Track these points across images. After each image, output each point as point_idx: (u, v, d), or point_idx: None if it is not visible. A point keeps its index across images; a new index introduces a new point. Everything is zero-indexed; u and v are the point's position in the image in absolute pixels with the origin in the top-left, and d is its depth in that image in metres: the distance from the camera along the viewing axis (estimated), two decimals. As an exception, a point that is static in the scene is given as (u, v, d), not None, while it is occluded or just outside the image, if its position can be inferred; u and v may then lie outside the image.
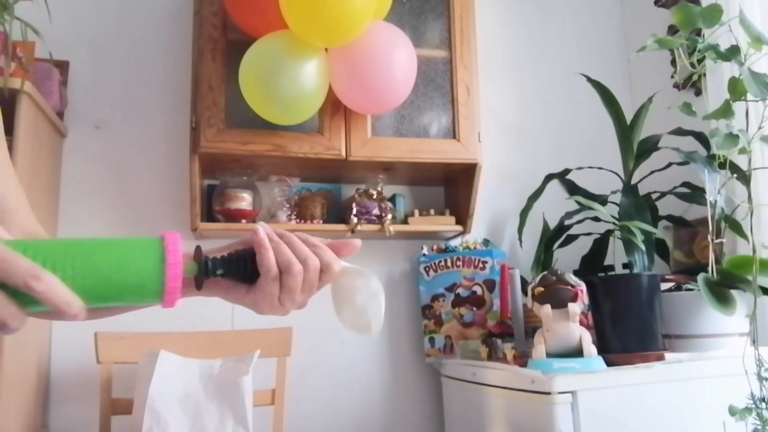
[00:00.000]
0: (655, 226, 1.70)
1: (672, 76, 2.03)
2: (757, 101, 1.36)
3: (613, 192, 1.82)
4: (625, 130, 1.76)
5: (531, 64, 2.27)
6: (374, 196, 1.87)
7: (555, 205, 1.90)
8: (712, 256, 1.42)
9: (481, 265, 1.87)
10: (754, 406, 1.14)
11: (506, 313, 1.74)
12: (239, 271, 0.63)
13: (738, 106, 1.39)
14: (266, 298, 0.64)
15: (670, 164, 1.77)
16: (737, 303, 1.34)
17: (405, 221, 1.93)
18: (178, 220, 1.85)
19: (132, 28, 1.93)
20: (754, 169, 1.47)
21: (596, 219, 1.80)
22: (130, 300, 0.56)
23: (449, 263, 1.91)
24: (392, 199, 1.96)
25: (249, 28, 1.63)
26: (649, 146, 1.79)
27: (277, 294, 0.64)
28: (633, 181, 1.76)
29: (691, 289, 1.46)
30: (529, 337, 1.58)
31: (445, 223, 1.93)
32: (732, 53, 1.38)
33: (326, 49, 1.59)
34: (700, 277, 1.37)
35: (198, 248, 0.62)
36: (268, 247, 0.62)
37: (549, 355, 1.34)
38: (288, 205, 1.83)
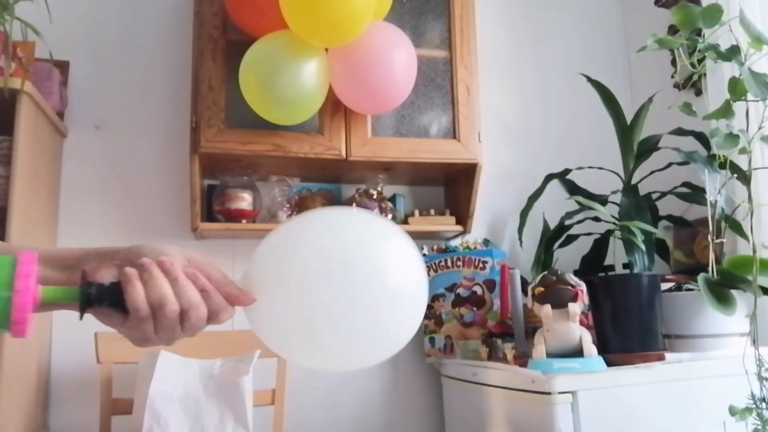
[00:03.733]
0: (656, 226, 1.70)
1: (672, 76, 2.03)
2: (758, 101, 1.36)
3: (613, 192, 1.82)
4: (625, 130, 1.76)
5: (531, 64, 2.27)
6: (374, 196, 1.87)
7: (555, 205, 1.90)
8: (712, 256, 1.42)
9: (481, 265, 1.87)
10: (754, 406, 1.14)
11: (506, 313, 1.74)
12: (116, 301, 0.56)
13: (738, 106, 1.39)
14: (138, 335, 0.57)
15: (670, 164, 1.77)
16: (737, 303, 1.34)
17: (405, 221, 1.93)
18: (178, 220, 1.85)
19: (132, 29, 1.93)
20: (755, 169, 1.46)
21: (596, 219, 1.79)
22: None
23: (449, 263, 1.91)
24: (392, 199, 1.96)
25: (249, 28, 1.63)
26: (650, 146, 1.79)
27: (152, 332, 0.57)
28: (633, 181, 1.76)
29: (691, 289, 1.46)
30: (529, 337, 1.58)
31: (445, 223, 1.93)
32: (732, 53, 1.38)
33: (326, 49, 1.59)
34: (701, 277, 1.37)
35: (84, 273, 0.56)
36: (134, 283, 0.55)
37: (549, 355, 1.34)
38: (288, 205, 1.84)
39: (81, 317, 0.56)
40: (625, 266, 1.65)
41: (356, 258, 0.58)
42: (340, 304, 0.57)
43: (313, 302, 0.57)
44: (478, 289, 1.86)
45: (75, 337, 1.67)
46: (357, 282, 0.57)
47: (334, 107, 1.72)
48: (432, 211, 1.93)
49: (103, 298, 0.55)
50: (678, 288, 1.53)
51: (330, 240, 0.59)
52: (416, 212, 1.93)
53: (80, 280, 0.55)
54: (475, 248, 1.91)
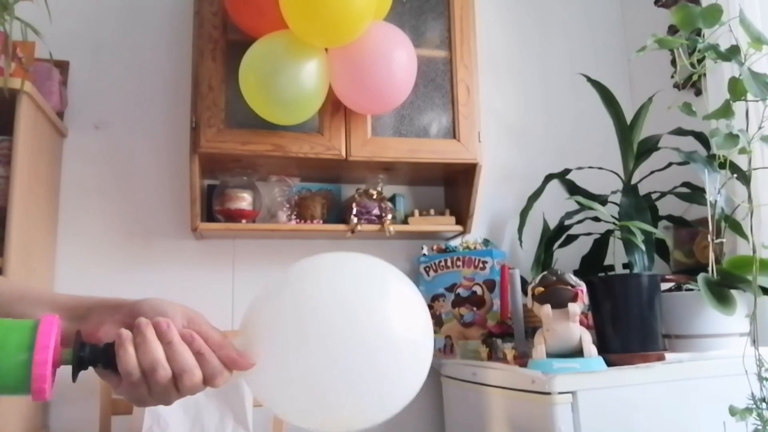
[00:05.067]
0: (655, 226, 1.70)
1: (672, 76, 2.03)
2: (757, 101, 1.36)
3: (613, 192, 1.82)
4: (625, 130, 1.76)
5: (531, 64, 2.27)
6: (374, 196, 1.87)
7: (555, 205, 1.90)
8: (712, 256, 1.42)
9: (481, 265, 1.87)
10: (754, 406, 1.14)
11: (506, 313, 1.74)
12: (109, 363, 0.55)
13: (738, 106, 1.39)
14: (133, 397, 0.57)
15: (670, 164, 1.77)
16: (737, 303, 1.34)
17: (405, 221, 1.93)
18: (178, 220, 1.85)
19: (132, 28, 1.93)
20: (754, 169, 1.47)
21: (596, 219, 1.80)
22: None
23: (449, 263, 1.91)
24: (392, 199, 1.96)
25: (249, 28, 1.63)
26: (649, 146, 1.79)
27: (146, 395, 0.56)
28: (633, 181, 1.76)
29: (691, 289, 1.46)
30: (529, 337, 1.58)
31: (445, 223, 1.93)
32: (732, 53, 1.38)
33: (326, 49, 1.59)
34: (700, 277, 1.37)
35: (78, 334, 0.56)
36: (126, 347, 0.54)
37: (549, 355, 1.34)
38: (288, 205, 1.83)
39: (74, 379, 0.56)
40: (625, 266, 1.65)
41: (359, 310, 0.55)
42: (347, 363, 0.54)
43: (315, 363, 0.54)
44: (478, 289, 1.86)
45: (75, 337, 1.67)
46: (362, 335, 0.54)
47: (334, 107, 1.72)
48: (432, 211, 1.93)
49: (96, 360, 0.55)
50: (678, 288, 1.53)
51: (327, 294, 0.56)
52: (416, 212, 1.93)
53: (74, 341, 0.55)
54: (475, 248, 1.91)
